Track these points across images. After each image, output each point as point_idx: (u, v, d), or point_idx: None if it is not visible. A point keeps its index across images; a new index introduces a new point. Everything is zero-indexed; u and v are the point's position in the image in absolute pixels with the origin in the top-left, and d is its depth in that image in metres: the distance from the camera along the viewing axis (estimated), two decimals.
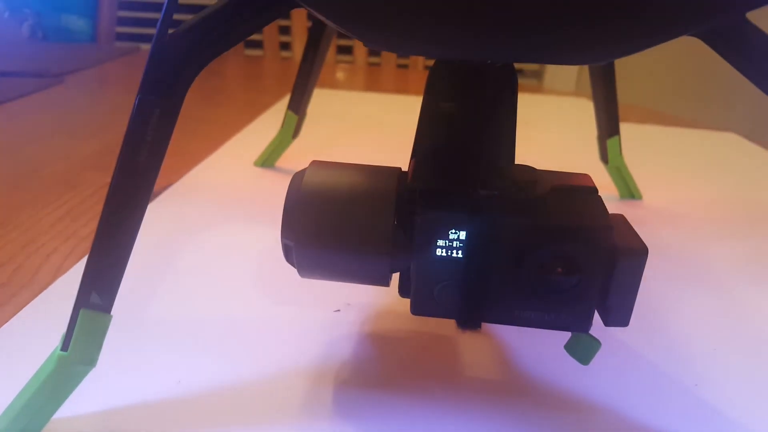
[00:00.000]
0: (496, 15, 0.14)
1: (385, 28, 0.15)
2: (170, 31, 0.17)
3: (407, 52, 0.18)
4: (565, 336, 0.22)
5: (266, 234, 0.35)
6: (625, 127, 0.42)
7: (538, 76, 1.49)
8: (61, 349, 0.18)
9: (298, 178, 0.21)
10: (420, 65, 1.15)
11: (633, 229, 0.20)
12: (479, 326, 0.21)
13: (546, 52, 0.17)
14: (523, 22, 0.15)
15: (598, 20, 0.15)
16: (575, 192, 0.21)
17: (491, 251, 0.19)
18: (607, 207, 0.20)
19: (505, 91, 0.22)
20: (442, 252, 0.20)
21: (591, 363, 0.21)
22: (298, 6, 0.16)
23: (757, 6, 0.14)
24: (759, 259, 0.37)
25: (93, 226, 0.36)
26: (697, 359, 0.26)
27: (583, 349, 0.21)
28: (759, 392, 0.24)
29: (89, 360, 0.19)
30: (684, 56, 1.25)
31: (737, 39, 0.16)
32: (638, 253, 0.19)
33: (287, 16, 1.04)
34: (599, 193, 0.21)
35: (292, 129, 0.44)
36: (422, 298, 0.20)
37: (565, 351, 0.22)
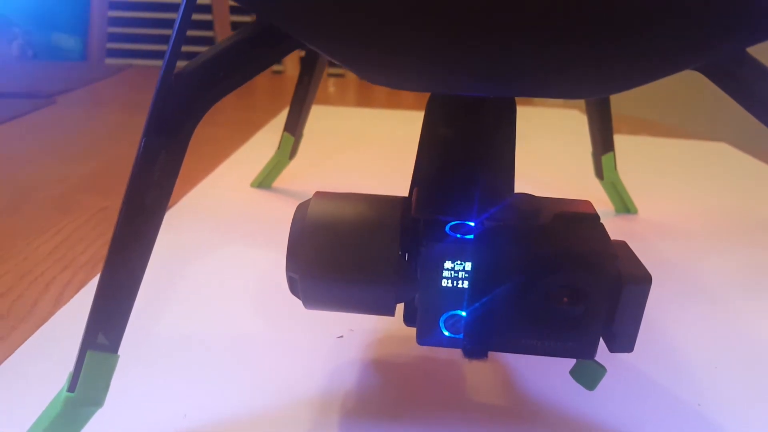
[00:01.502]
0: (493, 56, 0.15)
1: (388, 69, 0.16)
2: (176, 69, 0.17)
3: (407, 89, 0.18)
4: (571, 362, 0.22)
5: (267, 257, 0.35)
6: (617, 139, 0.43)
7: None
8: (68, 390, 0.18)
9: (302, 210, 0.21)
10: None
11: (635, 256, 0.20)
12: (486, 356, 0.21)
13: (545, 89, 0.17)
14: (521, 62, 0.15)
15: (598, 59, 0.15)
16: (578, 219, 0.21)
17: (497, 281, 0.19)
18: (604, 222, 0.20)
19: (504, 120, 0.23)
20: (447, 282, 0.20)
21: (597, 388, 0.21)
22: (305, 47, 0.16)
23: (757, 42, 0.15)
24: (754, 270, 0.37)
25: (91, 252, 0.35)
26: (698, 377, 0.26)
27: (588, 375, 0.21)
28: (761, 408, 0.24)
29: (96, 401, 0.19)
30: None
31: (737, 72, 0.16)
32: (642, 280, 0.19)
33: (303, 48, 1.04)
34: (600, 219, 0.21)
35: (288, 150, 0.44)
36: (428, 328, 0.20)
37: (570, 377, 0.22)
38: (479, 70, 0.15)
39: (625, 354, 0.27)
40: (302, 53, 0.46)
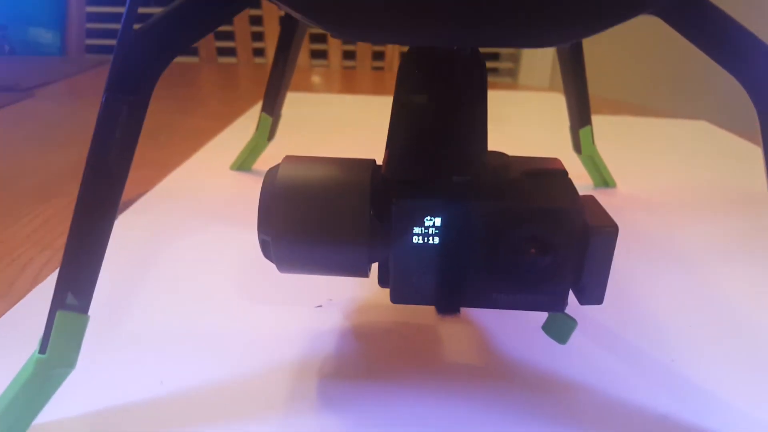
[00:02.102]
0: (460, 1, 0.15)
1: (350, 16, 0.16)
2: (135, 26, 0.17)
3: (372, 40, 0.18)
4: (542, 318, 0.22)
5: (245, 236, 0.35)
6: (597, 119, 0.43)
7: (513, 73, 1.51)
8: (39, 352, 0.18)
9: (272, 173, 0.21)
10: (395, 67, 1.16)
11: (603, 208, 0.21)
12: (458, 311, 0.21)
13: (507, 35, 0.17)
14: (485, 5, 0.15)
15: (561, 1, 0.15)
16: (546, 175, 0.21)
17: (467, 236, 0.20)
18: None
19: (475, 79, 0.23)
20: (418, 239, 0.20)
21: (568, 342, 0.22)
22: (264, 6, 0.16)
23: None
24: (730, 241, 0.37)
25: None
26: (672, 336, 0.27)
27: (560, 329, 0.22)
28: (733, 365, 0.25)
29: (68, 362, 0.19)
30: (652, 48, 1.27)
31: (695, 15, 0.16)
32: (609, 230, 0.19)
33: (258, 5, 1.04)
34: (569, 177, 0.21)
35: (267, 131, 0.44)
36: (401, 286, 0.21)
37: (542, 332, 0.22)
38: (446, 16, 0.16)
39: (599, 313, 0.27)
40: None
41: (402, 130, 0.23)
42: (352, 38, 0.17)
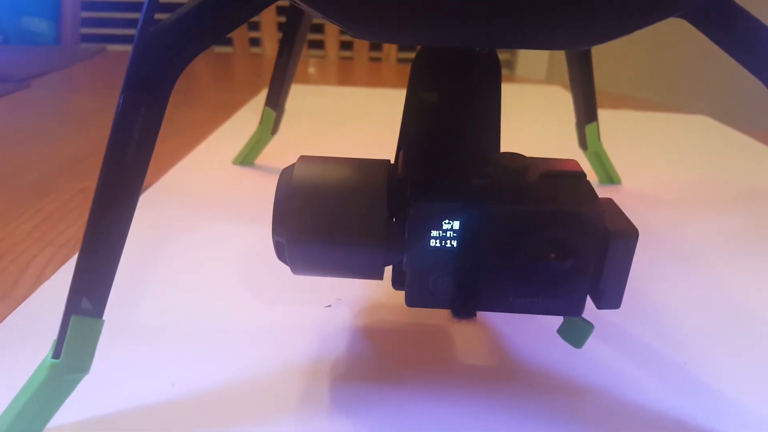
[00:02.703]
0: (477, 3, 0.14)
1: (368, 15, 0.15)
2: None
3: (391, 41, 0.18)
4: (558, 321, 0.22)
5: (251, 232, 0.35)
6: (599, 113, 0.43)
7: (510, 65, 1.50)
8: (53, 357, 0.18)
9: (287, 173, 0.21)
10: (392, 58, 1.15)
11: (622, 213, 0.20)
12: (474, 315, 0.21)
13: (528, 39, 0.17)
14: (508, 7, 0.15)
15: (581, 6, 0.15)
16: (564, 177, 0.21)
17: (485, 239, 0.19)
18: None
19: (489, 79, 0.23)
20: (435, 242, 0.20)
21: (584, 346, 0.22)
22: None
23: None
24: (738, 238, 0.37)
25: (71, 232, 0.35)
26: (685, 337, 0.27)
27: (576, 333, 0.21)
28: (746, 365, 0.25)
29: (82, 367, 0.18)
30: (655, 42, 1.27)
31: (721, 17, 0.16)
32: (629, 235, 0.19)
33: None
34: (586, 177, 0.21)
35: (270, 126, 0.44)
36: (417, 290, 0.20)
37: (558, 335, 0.22)
38: (464, 19, 0.15)
39: (613, 315, 0.27)
40: (280, 35, 0.45)
41: (417, 130, 0.23)
42: (374, 39, 0.17)
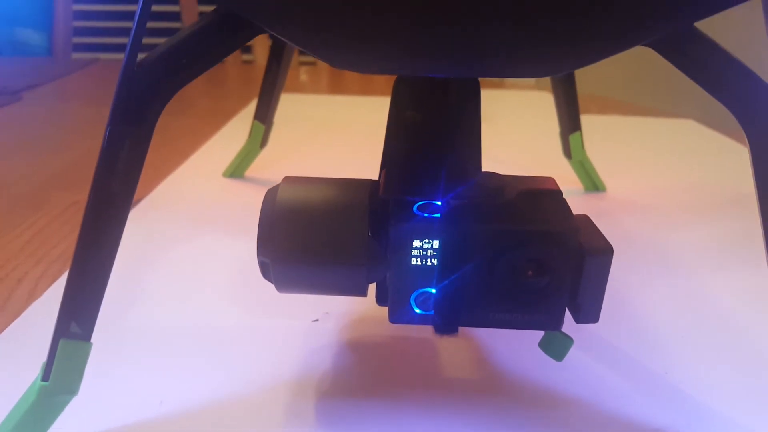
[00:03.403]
0: (456, 37, 0.15)
1: (350, 51, 0.16)
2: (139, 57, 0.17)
3: (372, 72, 0.18)
4: (539, 334, 0.22)
5: (240, 245, 0.35)
6: (585, 119, 0.43)
7: None
8: (42, 380, 0.18)
9: (271, 194, 0.21)
10: None
11: (597, 229, 0.21)
12: (456, 331, 0.21)
13: (506, 68, 0.17)
14: (482, 41, 0.15)
15: (553, 38, 0.15)
16: (541, 196, 0.21)
17: (464, 258, 0.20)
18: (573, 201, 0.21)
19: (469, 101, 0.23)
20: (416, 261, 0.20)
21: (565, 359, 0.22)
22: (265, 32, 0.16)
23: (705, 16, 0.15)
24: (721, 244, 0.38)
25: (63, 247, 0.35)
26: (665, 347, 0.27)
27: (556, 346, 0.22)
28: (726, 375, 0.25)
29: (70, 389, 0.19)
30: (642, 46, 1.28)
31: (687, 48, 0.16)
32: (604, 252, 0.20)
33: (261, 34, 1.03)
34: (563, 195, 0.21)
35: (259, 139, 0.44)
36: (399, 307, 0.21)
37: (539, 349, 0.22)
38: (443, 51, 0.16)
39: (594, 326, 0.28)
40: (271, 42, 0.45)
41: (398, 149, 0.23)
42: (351, 69, 0.17)
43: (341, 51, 0.16)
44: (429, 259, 0.20)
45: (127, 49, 0.16)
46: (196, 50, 0.17)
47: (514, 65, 0.16)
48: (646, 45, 0.16)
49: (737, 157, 0.57)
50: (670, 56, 0.16)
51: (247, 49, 1.15)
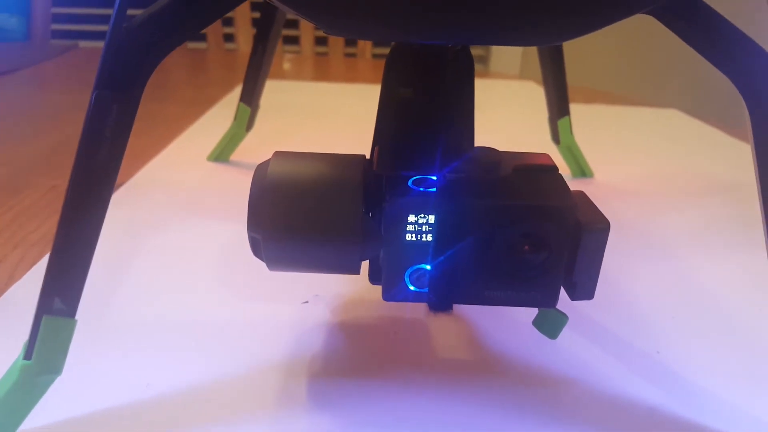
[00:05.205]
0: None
1: (340, 11, 0.15)
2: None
3: (366, 37, 0.18)
4: (533, 313, 0.22)
5: (226, 229, 0.34)
6: (572, 108, 0.43)
7: (484, 60, 1.51)
8: (24, 358, 0.18)
9: (262, 169, 0.21)
10: (368, 54, 1.15)
11: (594, 205, 0.21)
12: (451, 308, 0.21)
13: (501, 33, 0.17)
14: (482, 4, 0.15)
15: (552, 2, 0.15)
16: (537, 171, 0.21)
17: (459, 233, 0.19)
18: None
19: (463, 75, 0.23)
20: (411, 237, 0.20)
21: (559, 337, 0.22)
22: None
23: None
24: (706, 228, 0.38)
25: (42, 231, 0.34)
26: (657, 327, 0.27)
27: (550, 324, 0.22)
28: (716, 353, 0.25)
29: (54, 368, 0.18)
30: (627, 37, 1.29)
31: (689, 16, 0.16)
32: (601, 227, 0.20)
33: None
34: (558, 171, 0.21)
35: (245, 122, 0.43)
36: (393, 284, 0.20)
37: (533, 327, 0.22)
38: (435, 15, 0.15)
39: (585, 307, 0.28)
40: (254, 30, 0.45)
41: (391, 125, 0.23)
42: (346, 35, 0.17)
43: (337, 14, 0.16)
44: (424, 235, 0.20)
45: (114, 12, 0.16)
46: (184, 13, 0.16)
47: (514, 31, 0.16)
48: (647, 13, 0.16)
49: (719, 145, 0.57)
50: (671, 24, 0.16)
51: (230, 38, 1.13)
